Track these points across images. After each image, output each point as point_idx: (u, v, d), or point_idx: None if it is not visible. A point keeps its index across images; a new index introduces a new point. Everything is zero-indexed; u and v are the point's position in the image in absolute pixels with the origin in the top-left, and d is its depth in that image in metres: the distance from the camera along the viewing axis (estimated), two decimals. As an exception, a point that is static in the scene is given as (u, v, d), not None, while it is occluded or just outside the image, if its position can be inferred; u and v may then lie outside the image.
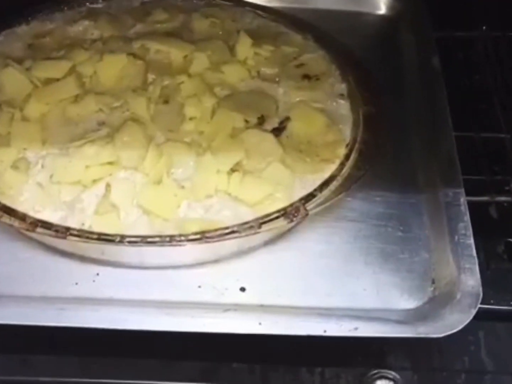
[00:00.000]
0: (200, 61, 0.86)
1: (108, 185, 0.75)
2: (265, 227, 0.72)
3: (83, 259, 0.76)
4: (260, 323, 0.70)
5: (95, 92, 0.82)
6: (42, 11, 0.92)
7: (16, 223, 0.71)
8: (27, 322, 0.69)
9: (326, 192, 0.75)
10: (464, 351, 0.75)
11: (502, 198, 0.86)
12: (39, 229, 0.71)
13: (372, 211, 0.82)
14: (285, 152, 0.78)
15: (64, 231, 0.70)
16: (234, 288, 0.75)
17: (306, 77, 0.85)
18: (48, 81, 0.82)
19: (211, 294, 0.74)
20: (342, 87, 0.85)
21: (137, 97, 0.82)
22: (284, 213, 0.73)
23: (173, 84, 0.84)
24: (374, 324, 0.71)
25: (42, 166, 0.76)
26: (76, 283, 0.75)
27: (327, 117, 0.82)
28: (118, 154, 0.76)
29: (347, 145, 0.80)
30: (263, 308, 0.73)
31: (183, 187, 0.75)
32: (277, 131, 0.80)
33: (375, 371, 0.73)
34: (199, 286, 0.75)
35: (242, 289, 0.76)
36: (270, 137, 0.79)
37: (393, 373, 0.73)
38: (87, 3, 0.94)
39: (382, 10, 1.07)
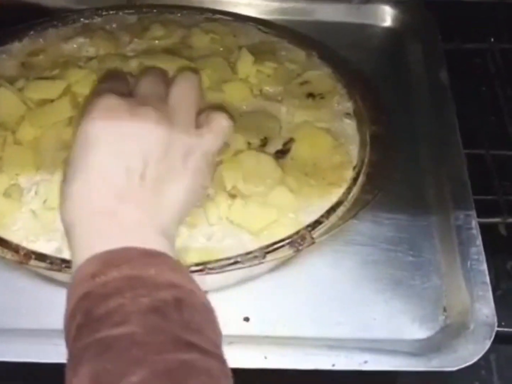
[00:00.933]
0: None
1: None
2: (269, 256, 0.69)
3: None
4: (265, 357, 0.68)
5: (90, 113, 0.79)
6: (35, 28, 0.87)
7: (9, 255, 0.68)
8: (20, 359, 0.67)
9: (333, 218, 0.72)
10: (475, 376, 0.74)
11: (514, 218, 0.83)
12: (33, 262, 0.67)
13: (382, 235, 0.80)
14: (290, 175, 0.74)
15: (59, 263, 0.67)
16: (238, 318, 0.73)
17: (311, 95, 0.82)
18: (42, 102, 0.78)
19: (213, 325, 0.72)
20: (348, 106, 0.82)
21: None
22: (289, 241, 0.70)
23: (172, 104, 0.80)
24: (384, 357, 0.69)
25: (36, 193, 0.72)
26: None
27: (333, 137, 0.78)
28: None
29: (354, 167, 0.76)
30: (268, 340, 0.71)
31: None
32: (281, 154, 0.76)
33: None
34: (201, 317, 0.72)
35: (246, 319, 0.73)
36: (268, 158, 0.75)
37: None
38: (82, 19, 0.90)
39: (387, 22, 1.04)
